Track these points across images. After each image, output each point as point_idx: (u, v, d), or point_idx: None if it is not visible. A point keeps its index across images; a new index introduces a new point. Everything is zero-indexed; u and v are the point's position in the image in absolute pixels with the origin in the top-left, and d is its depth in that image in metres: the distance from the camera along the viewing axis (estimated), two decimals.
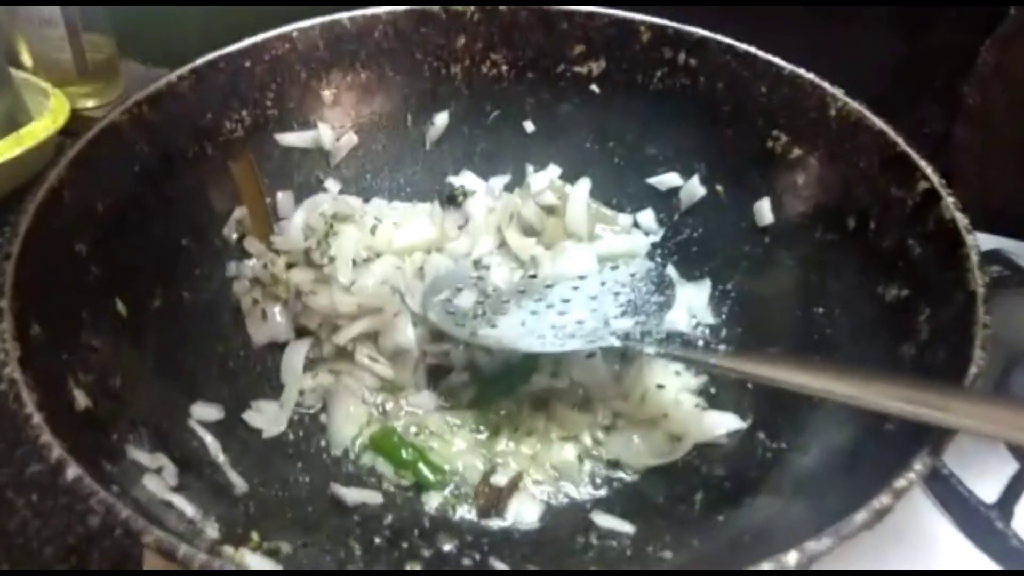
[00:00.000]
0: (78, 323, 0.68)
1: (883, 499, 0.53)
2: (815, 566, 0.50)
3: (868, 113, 0.80)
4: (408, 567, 0.67)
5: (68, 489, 0.53)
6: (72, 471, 0.53)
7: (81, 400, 0.62)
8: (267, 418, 0.79)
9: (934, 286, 0.69)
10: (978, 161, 1.01)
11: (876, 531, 0.52)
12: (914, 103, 0.86)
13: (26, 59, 1.27)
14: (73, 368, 0.64)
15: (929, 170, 0.74)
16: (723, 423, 0.79)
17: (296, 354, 0.84)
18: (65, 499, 0.78)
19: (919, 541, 0.78)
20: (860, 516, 0.52)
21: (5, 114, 1.10)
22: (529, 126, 0.99)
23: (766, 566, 0.49)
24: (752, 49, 0.87)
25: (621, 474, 0.79)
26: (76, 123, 1.12)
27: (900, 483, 0.53)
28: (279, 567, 0.59)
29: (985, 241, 0.70)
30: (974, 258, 0.66)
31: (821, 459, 0.69)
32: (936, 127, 0.95)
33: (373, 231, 0.90)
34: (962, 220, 0.69)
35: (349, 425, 0.81)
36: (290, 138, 0.93)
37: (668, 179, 0.95)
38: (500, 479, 0.77)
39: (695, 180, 0.93)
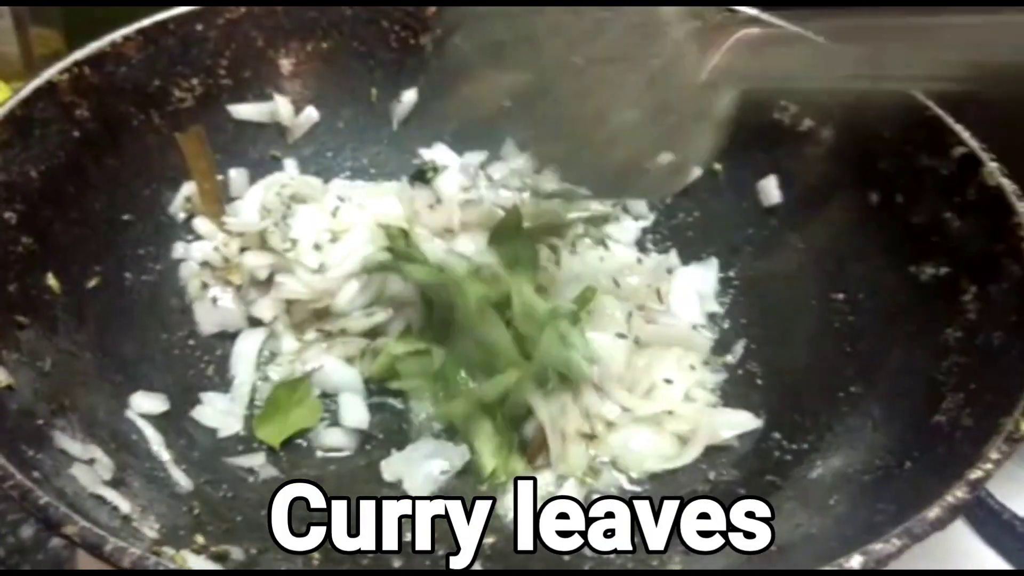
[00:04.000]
0: (4, 297, 0.64)
1: (958, 492, 0.48)
2: None
3: None
4: None
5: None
6: None
7: (3, 378, 0.58)
8: (218, 414, 0.73)
9: (980, 261, 0.64)
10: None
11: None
12: None
13: None
14: None
15: (966, 134, 0.68)
16: (736, 422, 0.73)
17: (248, 345, 0.77)
18: None
19: (951, 563, 0.71)
20: (933, 512, 0.47)
21: None
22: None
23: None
24: (754, 11, 0.79)
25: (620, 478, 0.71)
26: None
27: (976, 474, 0.49)
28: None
29: None
30: None
31: (853, 461, 0.63)
32: None
33: (335, 213, 0.82)
34: (1009, 186, 0.64)
35: None
36: (245, 110, 0.86)
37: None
38: None
39: None
